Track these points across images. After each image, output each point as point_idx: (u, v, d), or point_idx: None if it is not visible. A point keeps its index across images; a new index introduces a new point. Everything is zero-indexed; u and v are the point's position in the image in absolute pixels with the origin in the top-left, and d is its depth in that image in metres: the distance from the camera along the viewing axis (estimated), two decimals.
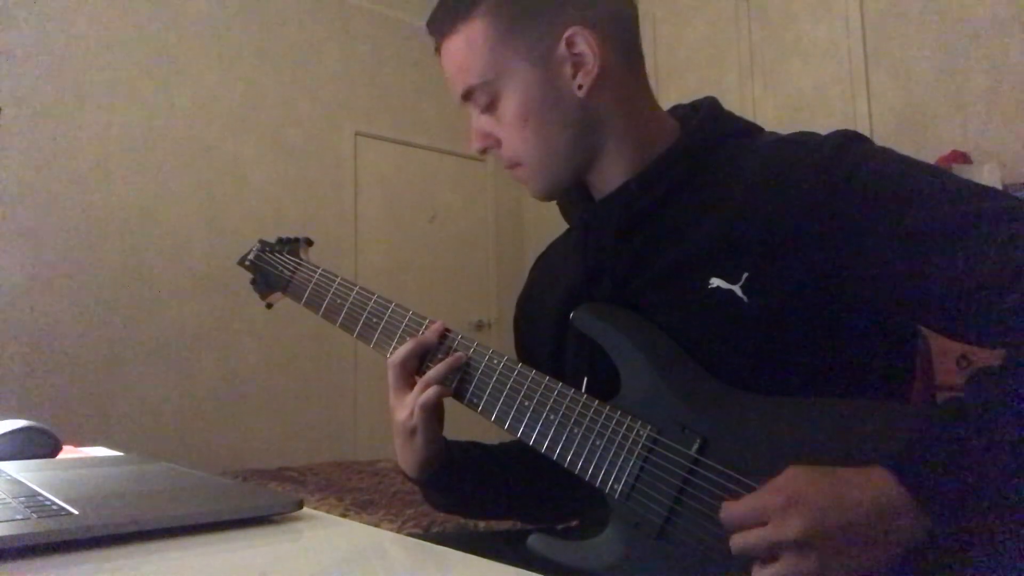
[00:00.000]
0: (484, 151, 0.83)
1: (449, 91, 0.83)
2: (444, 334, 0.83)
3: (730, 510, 0.59)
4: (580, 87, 0.77)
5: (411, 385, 0.82)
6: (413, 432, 0.81)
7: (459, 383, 0.81)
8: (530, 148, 0.79)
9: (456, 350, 0.82)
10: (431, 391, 0.80)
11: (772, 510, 0.56)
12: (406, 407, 0.81)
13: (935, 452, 0.55)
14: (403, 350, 0.82)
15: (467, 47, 0.78)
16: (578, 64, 0.77)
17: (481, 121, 0.81)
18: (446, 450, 0.85)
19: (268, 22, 4.00)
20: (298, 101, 4.06)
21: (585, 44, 0.76)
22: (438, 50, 0.83)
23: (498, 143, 0.81)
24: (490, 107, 0.80)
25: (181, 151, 3.64)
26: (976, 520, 0.55)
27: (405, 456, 0.84)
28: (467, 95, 0.81)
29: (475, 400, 0.80)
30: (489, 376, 0.80)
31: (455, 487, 0.88)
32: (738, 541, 0.58)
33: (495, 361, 0.80)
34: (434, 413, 0.81)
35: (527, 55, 0.77)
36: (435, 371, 0.81)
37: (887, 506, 0.54)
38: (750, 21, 3.69)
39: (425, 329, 0.84)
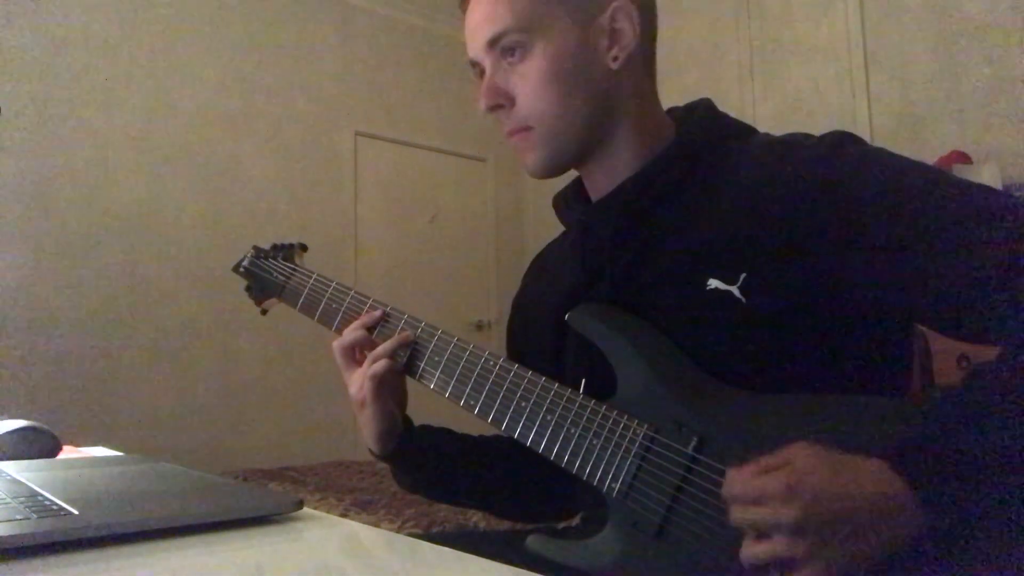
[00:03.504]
0: (493, 109, 0.79)
1: (471, 41, 0.79)
2: (387, 316, 0.87)
3: (732, 485, 0.59)
4: (615, 59, 0.77)
5: (359, 363, 0.86)
6: (363, 404, 0.84)
7: (409, 360, 0.85)
8: (549, 108, 0.77)
9: (404, 330, 0.86)
10: (379, 364, 0.83)
11: (772, 492, 0.56)
12: (356, 381, 0.85)
13: (933, 445, 0.56)
14: (348, 337, 0.86)
15: None
16: (614, 38, 0.77)
17: (498, 76, 0.78)
18: (408, 429, 0.88)
19: (267, 22, 4.00)
20: (297, 101, 4.06)
21: (627, 21, 0.77)
22: (465, 1, 0.81)
23: (512, 102, 0.78)
24: (516, 58, 0.77)
25: (180, 151, 3.64)
26: (972, 513, 0.55)
27: (362, 430, 0.87)
28: (495, 40, 0.77)
29: (426, 378, 0.84)
30: (439, 355, 0.83)
31: (418, 467, 0.90)
32: (735, 515, 0.59)
33: (446, 341, 0.83)
34: (382, 386, 0.83)
35: (571, 14, 0.76)
36: (383, 347, 0.84)
37: (884, 498, 0.55)
38: (750, 21, 3.69)
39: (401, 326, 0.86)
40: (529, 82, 0.77)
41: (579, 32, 0.76)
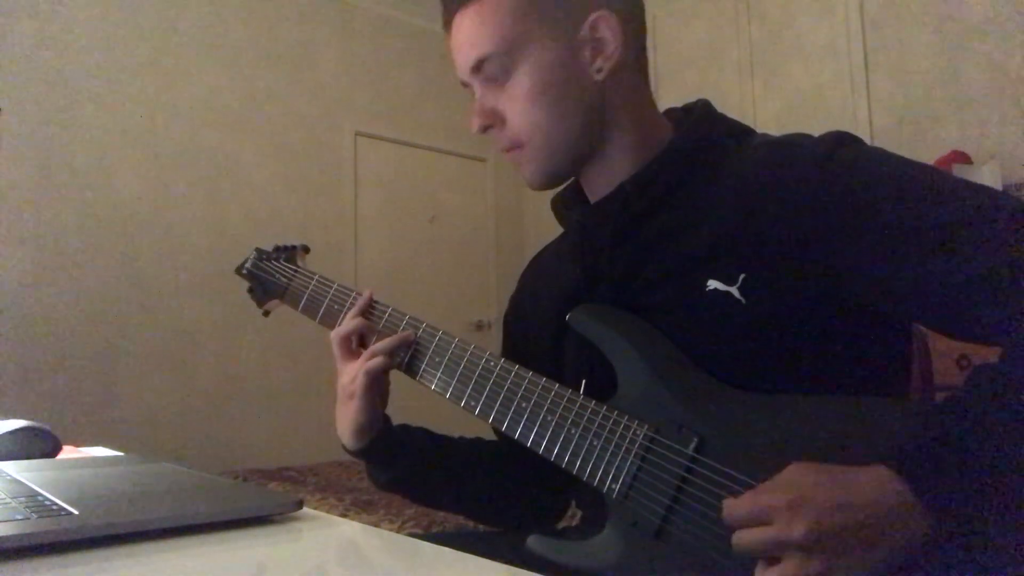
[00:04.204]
0: (485, 130, 0.80)
1: (458, 65, 0.80)
2: (389, 315, 0.87)
3: (733, 508, 0.59)
4: (599, 71, 0.77)
5: (355, 356, 0.86)
6: (351, 396, 0.84)
7: (410, 360, 0.85)
8: (538, 126, 0.77)
9: (406, 330, 0.86)
10: (377, 360, 0.83)
11: (776, 510, 0.55)
12: (349, 373, 0.85)
13: (937, 450, 0.55)
14: (347, 325, 0.87)
15: (488, 14, 0.76)
16: (597, 49, 0.77)
17: (487, 97, 0.79)
18: (386, 426, 0.88)
19: (268, 22, 4.00)
20: (298, 101, 4.06)
21: (608, 30, 0.76)
22: (448, 24, 0.81)
23: (502, 122, 0.79)
24: (500, 80, 0.78)
25: (181, 151, 3.64)
26: (979, 517, 0.55)
27: (341, 422, 0.87)
28: (478, 66, 0.78)
29: (427, 378, 0.84)
30: (441, 356, 0.83)
31: (392, 464, 0.90)
32: (741, 539, 0.57)
33: (447, 342, 0.83)
34: (375, 382, 0.84)
35: (551, 30, 0.76)
36: (383, 343, 0.84)
37: (890, 506, 0.54)
38: (750, 21, 3.69)
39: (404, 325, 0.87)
40: (516, 102, 0.77)
41: (560, 48, 0.76)
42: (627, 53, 0.78)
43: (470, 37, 0.78)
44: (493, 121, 0.79)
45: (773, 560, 0.56)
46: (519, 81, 0.77)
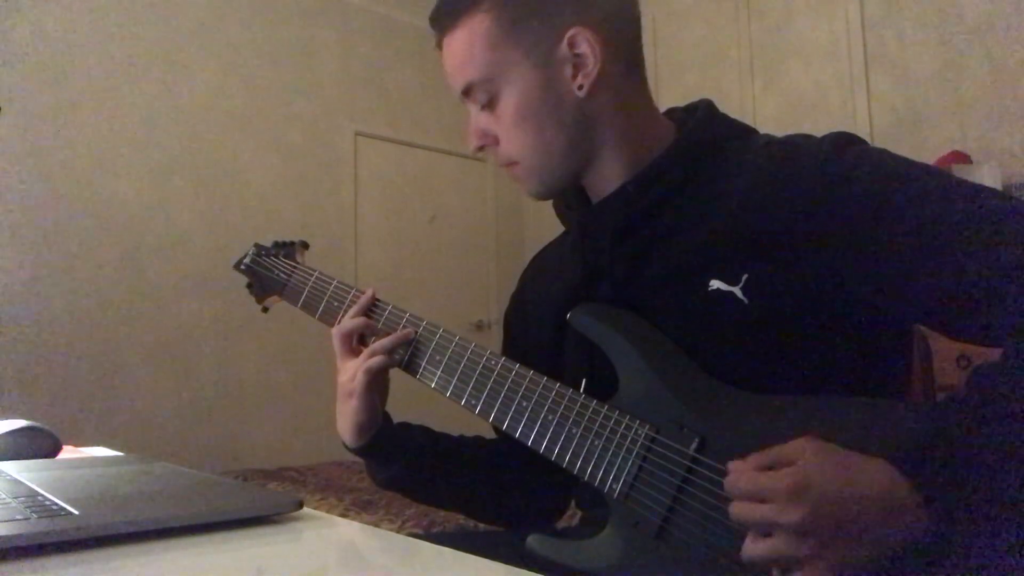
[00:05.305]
0: (481, 148, 0.83)
1: (449, 87, 0.83)
2: (388, 313, 0.87)
3: (736, 481, 0.59)
4: (580, 88, 0.77)
5: (356, 353, 0.87)
6: (351, 395, 0.85)
7: (410, 359, 0.85)
8: (527, 147, 0.79)
9: (406, 327, 0.86)
10: (376, 359, 0.84)
11: (776, 491, 0.55)
12: (349, 371, 0.85)
13: (937, 449, 0.55)
14: (348, 324, 0.87)
15: (469, 43, 0.78)
16: (578, 65, 0.77)
17: (480, 119, 0.81)
18: (386, 424, 0.89)
19: (268, 22, 4.00)
20: (298, 101, 4.06)
21: (586, 45, 0.76)
22: (439, 45, 0.83)
23: (496, 141, 0.81)
24: (489, 104, 0.80)
25: (180, 151, 3.64)
26: (976, 515, 0.55)
27: (342, 420, 0.88)
28: (467, 91, 0.81)
29: (427, 376, 0.84)
30: (441, 354, 0.83)
31: (393, 462, 0.90)
32: (737, 511, 0.58)
33: (447, 340, 0.83)
34: (374, 380, 0.84)
35: (528, 54, 0.77)
36: (382, 342, 0.85)
37: (888, 501, 0.54)
38: (750, 21, 3.69)
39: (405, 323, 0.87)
40: (504, 124, 0.80)
41: (539, 70, 0.77)
42: (611, 63, 0.78)
43: (455, 64, 0.80)
44: (487, 141, 0.82)
45: (765, 535, 0.56)
46: (504, 105, 0.79)
